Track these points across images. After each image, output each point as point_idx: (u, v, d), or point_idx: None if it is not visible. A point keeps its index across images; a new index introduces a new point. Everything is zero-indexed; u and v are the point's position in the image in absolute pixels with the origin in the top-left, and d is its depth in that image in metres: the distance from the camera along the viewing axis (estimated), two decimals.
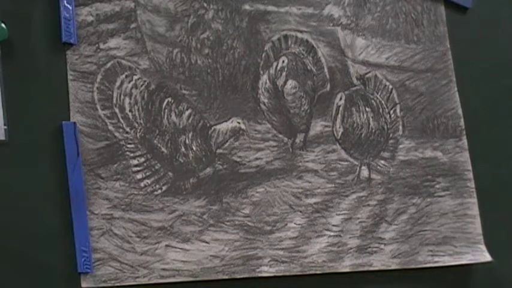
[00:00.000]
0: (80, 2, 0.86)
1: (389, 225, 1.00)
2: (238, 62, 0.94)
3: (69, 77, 0.84)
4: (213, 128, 0.91)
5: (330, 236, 0.95)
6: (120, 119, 0.86)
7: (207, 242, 0.88)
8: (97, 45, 0.86)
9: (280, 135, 0.96)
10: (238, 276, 0.88)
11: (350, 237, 0.97)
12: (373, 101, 1.03)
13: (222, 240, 0.88)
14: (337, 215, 0.97)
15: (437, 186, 1.05)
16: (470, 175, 1.08)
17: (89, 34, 0.86)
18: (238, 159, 0.92)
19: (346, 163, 0.99)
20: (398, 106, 1.05)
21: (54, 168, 0.81)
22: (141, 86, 0.88)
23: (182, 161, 0.89)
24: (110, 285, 0.81)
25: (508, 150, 1.13)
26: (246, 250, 0.90)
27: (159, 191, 0.86)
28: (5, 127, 0.79)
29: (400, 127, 1.04)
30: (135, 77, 0.88)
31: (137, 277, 0.83)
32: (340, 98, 1.01)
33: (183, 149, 0.89)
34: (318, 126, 0.98)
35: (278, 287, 0.91)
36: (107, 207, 0.83)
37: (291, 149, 0.96)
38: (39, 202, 0.80)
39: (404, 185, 1.02)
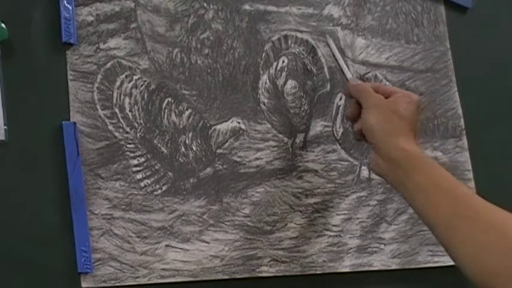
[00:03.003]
0: (80, 2, 0.86)
1: (389, 225, 1.00)
2: (238, 62, 0.94)
3: (69, 77, 0.84)
4: (213, 128, 0.91)
5: (330, 236, 0.95)
6: (120, 119, 0.86)
7: (207, 242, 0.88)
8: (97, 45, 0.86)
9: (280, 135, 0.96)
10: (238, 276, 0.88)
11: (350, 237, 0.97)
12: None
13: (222, 240, 0.89)
14: (337, 215, 0.97)
15: None
16: (470, 175, 1.08)
17: (89, 34, 0.86)
18: (238, 159, 0.92)
19: (346, 163, 0.99)
20: None
21: (54, 168, 0.81)
22: (141, 86, 0.88)
23: (182, 161, 0.89)
24: (110, 285, 0.81)
25: (508, 150, 1.13)
26: (246, 250, 0.90)
27: (159, 191, 0.86)
28: (5, 127, 0.79)
29: None
30: (135, 77, 0.88)
31: (137, 277, 0.83)
32: (340, 98, 1.01)
33: (183, 149, 0.89)
34: (318, 126, 0.98)
35: (278, 287, 0.91)
36: (107, 207, 0.83)
37: (291, 149, 0.96)
38: (39, 202, 0.80)
39: None
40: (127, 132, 0.86)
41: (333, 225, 0.96)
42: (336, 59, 0.97)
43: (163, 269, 0.84)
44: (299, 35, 0.99)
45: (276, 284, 0.91)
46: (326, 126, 0.99)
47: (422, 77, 1.08)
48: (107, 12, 0.87)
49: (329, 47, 0.98)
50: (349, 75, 0.94)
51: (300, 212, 0.94)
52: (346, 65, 0.97)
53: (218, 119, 0.92)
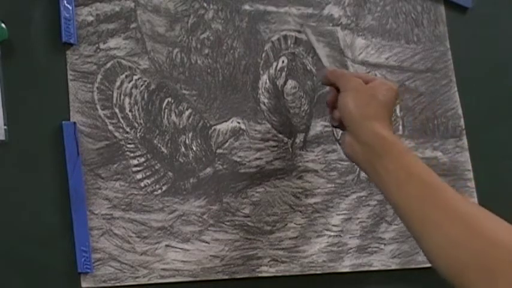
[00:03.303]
0: (80, 2, 0.86)
1: (389, 225, 1.00)
2: (238, 62, 0.95)
3: (69, 77, 0.84)
4: (213, 128, 0.91)
5: (330, 236, 0.95)
6: (120, 119, 0.86)
7: (207, 242, 0.88)
8: (97, 45, 0.86)
9: (280, 135, 0.96)
10: (238, 276, 0.88)
11: (350, 237, 0.97)
12: None
13: (222, 240, 0.89)
14: (337, 215, 0.97)
15: None
16: (470, 175, 1.08)
17: (89, 34, 0.86)
18: (238, 159, 0.92)
19: (346, 163, 0.99)
20: (398, 106, 1.05)
21: (54, 168, 0.81)
22: (141, 86, 0.88)
23: (182, 161, 0.89)
24: (110, 285, 0.81)
25: (508, 150, 1.13)
26: (246, 250, 0.90)
27: (159, 191, 0.86)
28: (5, 127, 0.79)
29: (400, 127, 1.04)
30: (135, 77, 0.88)
31: (137, 277, 0.83)
32: None
33: (183, 149, 0.89)
34: (318, 126, 0.98)
35: (278, 287, 0.91)
36: (107, 207, 0.83)
37: (291, 149, 0.96)
38: (39, 202, 0.80)
39: None
40: (127, 132, 0.86)
41: (333, 225, 0.96)
42: (315, 48, 0.96)
43: (163, 269, 0.84)
44: (299, 35, 0.99)
45: (276, 284, 0.91)
46: (326, 126, 0.99)
47: (422, 77, 1.08)
48: (107, 12, 0.87)
49: (307, 36, 0.98)
50: (326, 64, 0.93)
51: (300, 212, 0.94)
52: (346, 67, 0.97)
53: (218, 119, 0.92)
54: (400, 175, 0.76)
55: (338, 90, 0.86)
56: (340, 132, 0.99)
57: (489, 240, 0.67)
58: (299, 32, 0.99)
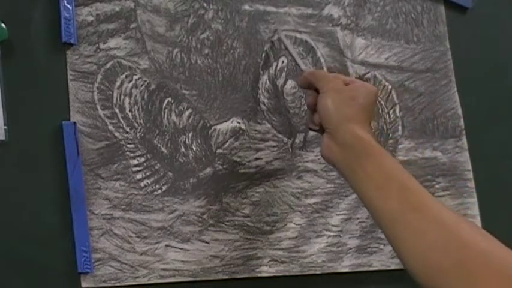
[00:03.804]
0: (80, 2, 0.86)
1: None
2: (238, 62, 0.95)
3: (69, 77, 0.84)
4: (213, 128, 0.91)
5: (329, 236, 0.95)
6: (120, 119, 0.86)
7: (207, 242, 0.88)
8: (97, 45, 0.86)
9: (280, 135, 0.96)
10: (238, 276, 0.88)
11: (349, 238, 0.97)
12: None
13: (222, 240, 0.89)
14: (336, 215, 0.97)
15: (437, 186, 1.05)
16: (470, 175, 1.08)
17: (89, 34, 0.86)
18: (238, 159, 0.92)
19: None
20: (397, 106, 1.05)
21: (54, 168, 0.81)
22: (141, 86, 0.88)
23: (182, 161, 0.89)
24: (110, 285, 0.81)
25: (508, 150, 1.13)
26: (245, 250, 0.90)
27: (159, 191, 0.86)
28: (5, 127, 0.79)
29: (400, 127, 1.04)
30: (135, 77, 0.88)
31: (137, 277, 0.83)
32: None
33: (183, 149, 0.89)
34: None
35: (278, 287, 0.91)
36: (107, 207, 0.83)
37: (290, 149, 0.96)
38: (39, 202, 0.80)
39: None
40: (127, 132, 0.86)
41: (333, 226, 0.96)
42: (289, 50, 0.96)
43: (163, 269, 0.84)
44: (298, 35, 0.99)
45: (276, 284, 0.91)
46: None
47: (422, 77, 1.08)
48: (107, 12, 0.87)
49: (282, 40, 0.97)
50: (303, 66, 0.93)
51: (300, 212, 0.94)
52: (346, 68, 0.97)
53: (218, 119, 0.92)
54: (380, 177, 0.76)
55: (317, 92, 0.85)
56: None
57: (468, 245, 0.67)
58: (299, 32, 0.99)
